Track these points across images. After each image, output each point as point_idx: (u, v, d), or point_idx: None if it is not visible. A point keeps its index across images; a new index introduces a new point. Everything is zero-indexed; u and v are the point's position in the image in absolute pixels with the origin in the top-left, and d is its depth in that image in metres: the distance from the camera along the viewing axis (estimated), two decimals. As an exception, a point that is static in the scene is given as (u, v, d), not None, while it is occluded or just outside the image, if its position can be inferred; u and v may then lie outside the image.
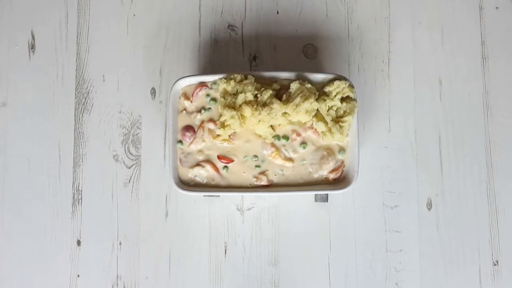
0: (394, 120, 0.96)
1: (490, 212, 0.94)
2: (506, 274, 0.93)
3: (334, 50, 0.97)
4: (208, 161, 0.87)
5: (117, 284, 0.92)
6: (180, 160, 0.87)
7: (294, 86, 0.86)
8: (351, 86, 0.87)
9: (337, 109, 0.86)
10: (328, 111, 0.86)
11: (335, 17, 0.98)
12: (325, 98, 0.86)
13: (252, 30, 0.98)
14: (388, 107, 0.96)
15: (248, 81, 0.86)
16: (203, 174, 0.87)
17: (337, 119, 0.86)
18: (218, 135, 0.87)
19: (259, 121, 0.86)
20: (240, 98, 0.85)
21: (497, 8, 0.98)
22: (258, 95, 0.86)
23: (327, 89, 0.86)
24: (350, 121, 0.86)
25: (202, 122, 0.88)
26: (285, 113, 0.86)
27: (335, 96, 0.86)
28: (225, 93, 0.86)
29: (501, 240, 0.93)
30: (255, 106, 0.85)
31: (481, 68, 0.97)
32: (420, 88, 0.96)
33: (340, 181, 0.88)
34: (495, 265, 0.93)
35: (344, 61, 0.97)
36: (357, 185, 0.92)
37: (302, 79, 0.88)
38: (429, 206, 0.94)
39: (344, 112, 0.87)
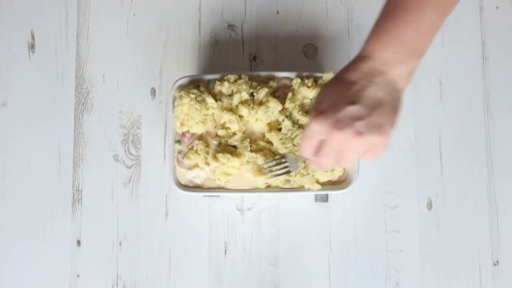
0: (394, 120, 0.96)
1: (490, 212, 0.94)
2: (507, 274, 0.93)
3: (334, 50, 0.97)
4: (208, 162, 0.87)
5: (117, 284, 0.92)
6: (178, 160, 0.87)
7: (296, 82, 0.86)
8: None
9: None
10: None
11: (335, 17, 0.98)
12: None
13: (252, 30, 0.98)
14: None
15: (242, 80, 0.86)
16: (202, 175, 0.87)
17: None
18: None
19: (256, 120, 0.86)
20: (236, 98, 0.85)
21: (497, 8, 0.98)
22: (255, 94, 0.86)
23: (324, 80, 0.86)
24: None
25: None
26: (283, 109, 0.86)
27: None
28: (220, 95, 0.86)
29: (501, 240, 0.93)
30: (251, 105, 0.85)
31: (481, 68, 0.97)
32: (420, 88, 0.96)
33: (340, 181, 0.88)
34: (495, 265, 0.93)
35: (344, 61, 0.96)
36: (357, 185, 0.92)
37: (302, 79, 0.88)
38: (429, 206, 0.94)
39: None
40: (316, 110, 0.65)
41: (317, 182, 0.86)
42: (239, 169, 0.85)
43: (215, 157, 0.84)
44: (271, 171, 0.82)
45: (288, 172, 0.82)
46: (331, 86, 0.67)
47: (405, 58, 0.66)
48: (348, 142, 0.63)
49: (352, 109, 0.63)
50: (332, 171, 0.85)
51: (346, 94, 0.64)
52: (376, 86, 0.64)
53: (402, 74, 0.66)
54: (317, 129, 0.64)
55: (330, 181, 0.87)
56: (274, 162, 0.83)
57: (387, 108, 0.64)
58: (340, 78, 0.66)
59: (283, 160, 0.82)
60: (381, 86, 0.64)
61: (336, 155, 0.65)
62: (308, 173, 0.85)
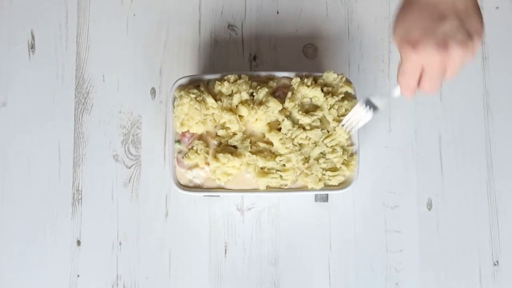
0: (394, 120, 0.96)
1: (490, 212, 0.94)
2: (506, 274, 0.93)
3: (334, 50, 0.97)
4: (208, 162, 0.87)
5: (117, 284, 0.92)
6: (178, 160, 0.87)
7: (295, 81, 0.86)
8: (348, 81, 0.87)
9: (338, 107, 0.86)
10: (329, 110, 0.86)
11: (335, 17, 0.98)
12: (327, 96, 0.86)
13: (252, 30, 0.98)
14: (388, 107, 0.96)
15: (242, 80, 0.86)
16: (202, 175, 0.87)
17: (339, 118, 0.86)
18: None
19: (256, 120, 0.86)
20: (236, 98, 0.85)
21: (497, 8, 0.98)
22: (254, 94, 0.86)
23: (324, 80, 0.87)
24: None
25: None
26: (283, 109, 0.86)
27: (333, 88, 0.86)
28: (220, 95, 0.86)
29: (501, 240, 0.93)
30: (251, 105, 0.85)
31: (481, 68, 0.97)
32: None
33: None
34: (495, 265, 0.93)
35: (344, 61, 0.97)
36: (357, 185, 0.92)
37: (302, 78, 0.88)
38: (429, 206, 0.94)
39: (346, 110, 0.87)
40: (409, 41, 0.64)
41: (325, 184, 0.86)
42: (239, 169, 0.85)
43: (215, 157, 0.84)
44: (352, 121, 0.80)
45: (374, 110, 0.76)
46: (410, 14, 0.65)
47: None
48: (455, 56, 0.63)
49: (447, 25, 0.63)
50: (336, 170, 0.86)
51: (433, 14, 0.64)
52: (453, 2, 0.64)
53: None
54: (420, 58, 0.64)
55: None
56: (354, 112, 0.79)
57: (473, 13, 0.65)
58: (414, 2, 0.65)
59: (361, 107, 0.77)
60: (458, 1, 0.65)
61: (442, 74, 0.65)
62: (312, 173, 0.85)
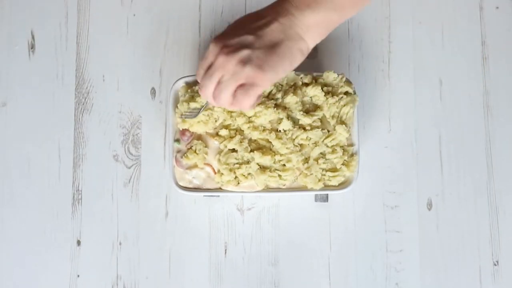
0: (394, 120, 0.96)
1: (490, 212, 0.94)
2: (506, 274, 0.93)
3: (334, 50, 0.97)
4: (207, 163, 0.87)
5: (117, 284, 0.92)
6: (176, 160, 0.87)
7: (296, 79, 0.86)
8: (348, 81, 0.87)
9: (338, 107, 0.87)
10: (329, 108, 0.86)
11: (335, 17, 0.98)
12: (327, 96, 0.86)
13: (252, 30, 0.98)
14: (388, 107, 0.96)
15: None
16: (201, 175, 0.87)
17: (340, 120, 0.86)
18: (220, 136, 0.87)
19: (263, 115, 0.85)
20: None
21: (497, 8, 0.98)
22: None
23: (324, 79, 0.87)
24: (351, 113, 0.86)
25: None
26: (284, 109, 0.86)
27: (333, 88, 0.86)
28: None
29: (501, 240, 0.93)
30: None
31: (481, 68, 0.97)
32: (420, 88, 0.96)
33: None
34: (495, 265, 0.93)
35: (344, 61, 0.97)
36: (357, 185, 0.92)
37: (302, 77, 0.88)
38: (429, 206, 0.94)
39: (346, 111, 0.86)
40: (222, 32, 0.68)
41: (325, 184, 0.86)
42: (246, 178, 0.85)
43: (243, 176, 0.85)
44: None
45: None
46: (247, 15, 0.69)
47: (316, 4, 0.66)
48: (228, 66, 0.65)
49: (246, 39, 0.65)
50: (335, 173, 0.85)
51: (250, 25, 0.66)
52: (278, 25, 0.66)
53: (310, 22, 0.66)
54: (210, 49, 0.67)
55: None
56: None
57: (280, 52, 0.66)
58: (257, 11, 0.69)
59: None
60: (283, 27, 0.66)
61: (216, 83, 0.67)
62: (311, 174, 0.85)
